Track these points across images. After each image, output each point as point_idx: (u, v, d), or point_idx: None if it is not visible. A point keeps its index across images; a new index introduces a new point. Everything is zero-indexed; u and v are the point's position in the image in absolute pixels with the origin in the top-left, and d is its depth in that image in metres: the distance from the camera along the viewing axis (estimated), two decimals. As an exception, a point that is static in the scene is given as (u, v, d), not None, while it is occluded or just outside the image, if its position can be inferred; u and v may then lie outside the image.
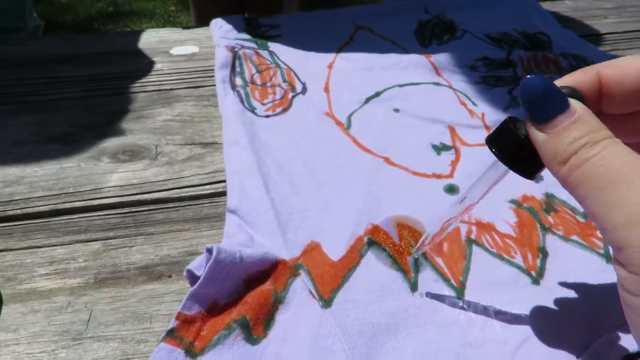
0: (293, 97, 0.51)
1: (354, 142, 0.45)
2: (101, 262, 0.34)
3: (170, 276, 0.33)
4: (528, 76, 0.20)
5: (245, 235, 0.34)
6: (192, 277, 0.29)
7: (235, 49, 0.58)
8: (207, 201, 0.39)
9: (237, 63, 0.56)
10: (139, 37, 0.65)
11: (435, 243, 0.31)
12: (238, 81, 0.53)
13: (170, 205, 0.39)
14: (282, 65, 0.57)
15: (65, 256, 0.34)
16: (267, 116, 0.48)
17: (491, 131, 0.23)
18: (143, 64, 0.59)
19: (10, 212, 0.38)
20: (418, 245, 0.31)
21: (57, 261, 0.34)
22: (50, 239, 0.36)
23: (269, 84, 0.53)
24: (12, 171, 0.42)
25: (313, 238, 0.34)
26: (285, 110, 0.49)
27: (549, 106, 0.20)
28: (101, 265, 0.34)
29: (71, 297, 0.31)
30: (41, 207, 0.38)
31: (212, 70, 0.56)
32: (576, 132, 0.19)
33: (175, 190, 0.40)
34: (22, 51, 0.60)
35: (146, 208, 0.39)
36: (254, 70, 0.55)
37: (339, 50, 0.60)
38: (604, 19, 0.71)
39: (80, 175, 0.42)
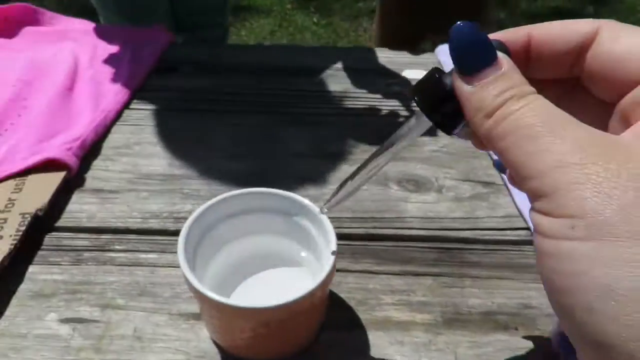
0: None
1: None
2: (440, 300, 0.35)
3: (516, 329, 0.33)
4: (460, 22, 0.19)
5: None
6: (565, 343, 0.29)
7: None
8: (514, 248, 0.39)
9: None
10: (363, 54, 0.67)
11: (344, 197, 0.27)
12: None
13: (477, 247, 0.39)
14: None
15: (403, 287, 0.35)
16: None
17: (417, 81, 0.22)
18: (383, 85, 0.61)
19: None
20: (329, 199, 0.27)
21: (398, 292, 0.35)
22: (381, 266, 0.37)
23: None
24: (312, 186, 0.44)
25: None
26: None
27: (478, 57, 0.19)
28: (442, 304, 0.34)
29: (427, 333, 0.32)
30: (355, 230, 0.40)
31: None
32: (503, 85, 0.18)
33: (477, 231, 0.41)
34: (257, 58, 0.64)
35: (456, 246, 0.39)
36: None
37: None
38: None
39: (377, 199, 0.43)
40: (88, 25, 0.68)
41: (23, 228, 0.36)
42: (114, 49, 0.63)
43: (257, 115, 0.53)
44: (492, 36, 0.21)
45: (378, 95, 0.58)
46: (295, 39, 2.49)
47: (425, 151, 0.50)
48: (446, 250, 0.39)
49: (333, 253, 0.28)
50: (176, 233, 0.38)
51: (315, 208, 0.31)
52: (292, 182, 0.44)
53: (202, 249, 0.31)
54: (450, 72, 0.20)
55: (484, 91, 0.19)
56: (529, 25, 0.22)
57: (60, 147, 0.43)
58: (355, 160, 0.47)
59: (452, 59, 0.19)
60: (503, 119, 0.18)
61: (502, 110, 0.18)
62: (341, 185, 0.27)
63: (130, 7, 0.82)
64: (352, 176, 0.26)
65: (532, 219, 0.17)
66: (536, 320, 0.33)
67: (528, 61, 0.22)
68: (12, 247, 0.34)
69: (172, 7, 0.92)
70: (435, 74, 0.21)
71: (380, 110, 0.55)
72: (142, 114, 0.53)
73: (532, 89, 0.18)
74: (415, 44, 1.06)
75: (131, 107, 0.54)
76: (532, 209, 0.17)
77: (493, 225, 0.41)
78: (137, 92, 0.56)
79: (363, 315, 0.33)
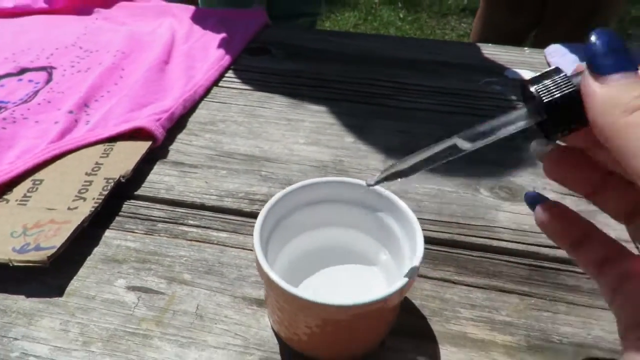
0: None
1: None
2: (527, 322, 0.31)
3: (614, 367, 0.29)
4: (601, 28, 0.19)
5: None
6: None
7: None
8: (619, 276, 0.34)
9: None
10: (468, 49, 0.62)
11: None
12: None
13: (577, 270, 0.35)
14: None
15: (486, 302, 0.32)
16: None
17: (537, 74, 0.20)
18: (482, 83, 0.56)
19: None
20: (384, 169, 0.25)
21: (479, 307, 0.32)
22: (462, 276, 0.34)
23: None
24: (393, 182, 0.41)
25: None
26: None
27: (619, 60, 0.18)
28: (528, 327, 0.31)
29: (508, 357, 0.29)
30: (437, 234, 0.37)
31: None
32: None
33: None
34: (353, 47, 0.61)
35: (550, 265, 0.35)
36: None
37: None
38: None
39: (464, 204, 0.39)
40: (181, 5, 0.69)
41: (106, 192, 0.36)
42: (209, 26, 0.64)
43: (344, 103, 0.51)
44: None
45: (476, 94, 0.54)
46: (380, 33, 2.46)
47: (522, 159, 0.45)
48: (539, 269, 0.35)
49: (418, 259, 0.25)
50: (249, 214, 0.37)
51: (405, 206, 0.28)
52: (371, 176, 0.42)
53: (277, 235, 0.29)
54: (576, 74, 0.19)
55: (621, 90, 0.18)
56: None
57: (149, 117, 0.44)
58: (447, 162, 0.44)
59: (589, 60, 0.19)
60: None
61: None
62: (403, 161, 0.24)
63: None
64: (420, 154, 0.24)
65: None
66: (640, 363, 0.29)
67: None
68: (93, 209, 0.35)
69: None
70: (559, 69, 0.20)
71: (476, 109, 0.51)
72: (230, 92, 0.52)
73: None
74: (519, 42, 1.00)
75: (220, 84, 0.54)
76: None
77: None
78: (228, 70, 0.56)
79: (435, 327, 0.30)
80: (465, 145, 0.23)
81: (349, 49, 0.62)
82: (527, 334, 0.30)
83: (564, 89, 0.19)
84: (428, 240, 0.36)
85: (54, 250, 0.31)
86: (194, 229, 0.37)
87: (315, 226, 0.31)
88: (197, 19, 0.65)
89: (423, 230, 0.35)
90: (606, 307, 0.32)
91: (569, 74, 0.20)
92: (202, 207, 0.39)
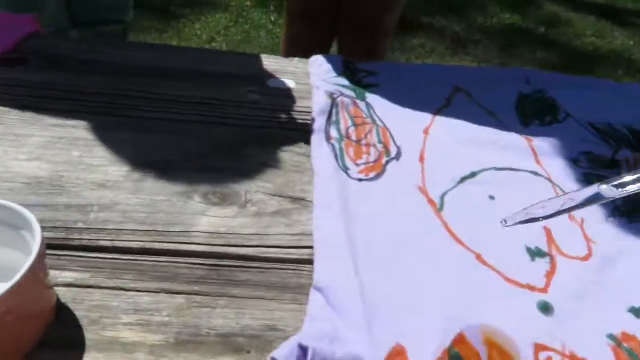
0: (387, 162, 0.50)
1: (446, 228, 0.43)
2: (184, 320, 0.34)
3: (249, 352, 0.32)
4: None
5: (330, 322, 0.33)
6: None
7: (335, 96, 0.58)
8: (292, 267, 0.39)
9: (334, 111, 0.56)
10: (233, 59, 0.65)
11: None
12: (333, 133, 0.52)
13: (255, 265, 0.39)
14: (379, 123, 0.55)
15: (151, 306, 0.34)
16: (360, 180, 0.47)
17: None
18: (240, 93, 0.60)
19: (102, 242, 0.38)
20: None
21: (142, 310, 0.34)
22: (137, 282, 0.36)
23: (363, 141, 0.52)
24: (108, 194, 0.43)
25: (399, 340, 0.33)
26: (378, 175, 0.48)
27: None
28: (183, 324, 0.33)
29: (151, 356, 0.31)
30: (132, 243, 0.39)
31: (308, 112, 0.55)
32: None
33: (261, 248, 0.40)
34: (125, 58, 0.62)
35: (231, 263, 0.38)
36: (349, 123, 0.55)
37: (436, 113, 0.59)
38: None
39: (171, 212, 0.42)
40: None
41: None
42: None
43: (86, 116, 0.51)
44: None
45: (233, 103, 0.57)
46: (250, 37, 2.48)
47: (249, 163, 0.49)
48: (217, 268, 0.38)
49: (26, 267, 0.27)
50: None
51: (31, 217, 0.29)
52: (88, 190, 0.43)
53: None
54: None
55: None
56: None
57: None
58: (175, 170, 0.46)
59: None
60: None
61: None
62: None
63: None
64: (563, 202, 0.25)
65: None
66: (274, 344, 0.33)
67: None
68: None
69: (67, 1, 0.89)
70: None
71: (231, 119, 0.54)
72: (-39, 110, 0.50)
73: None
74: (323, 52, 1.06)
75: (-45, 101, 0.51)
76: None
77: (282, 243, 0.41)
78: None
79: (90, 335, 0.32)
80: (610, 193, 0.24)
81: (116, 60, 0.62)
82: (179, 331, 0.33)
83: None
84: (119, 251, 0.38)
85: None
86: None
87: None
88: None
89: (118, 240, 0.37)
90: (267, 297, 0.36)
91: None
92: None
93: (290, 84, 0.63)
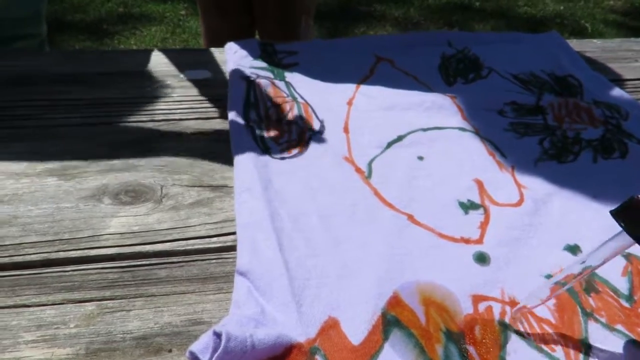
0: (310, 137, 0.48)
1: (375, 194, 0.41)
2: (94, 328, 0.30)
3: (170, 350, 0.29)
4: None
5: (256, 305, 0.31)
6: (196, 362, 0.26)
7: (251, 78, 0.55)
8: (215, 256, 0.36)
9: (251, 94, 0.53)
10: (148, 56, 0.62)
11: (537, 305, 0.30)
12: (252, 115, 0.50)
13: (174, 259, 0.36)
14: (299, 100, 0.53)
15: (56, 319, 0.31)
16: (282, 158, 0.45)
17: (617, 206, 0.25)
18: (152, 89, 0.56)
19: (-1, 260, 0.34)
20: (515, 310, 0.31)
21: (46, 325, 0.30)
22: (40, 297, 0.32)
23: (284, 120, 0.50)
24: (5, 209, 0.39)
25: (331, 313, 0.31)
26: (301, 152, 0.46)
27: None
28: (94, 333, 0.30)
29: (58, 371, 0.28)
30: (33, 256, 0.35)
31: (226, 99, 0.53)
32: None
33: (181, 242, 0.37)
34: (23, 68, 0.57)
35: (147, 262, 0.35)
36: (268, 104, 0.52)
37: (359, 83, 0.57)
38: (635, 62, 0.68)
39: (78, 218, 0.38)
40: None
41: None
42: None
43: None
44: None
45: (141, 100, 0.53)
46: (189, 45, 2.42)
47: (164, 157, 0.45)
48: (132, 269, 0.34)
49: None
50: None
51: None
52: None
53: None
54: None
55: None
56: None
57: None
58: (75, 176, 0.42)
59: None
60: None
61: None
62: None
63: None
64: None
65: None
66: (198, 338, 0.30)
67: None
68: None
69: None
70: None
71: (136, 117, 0.51)
72: None
73: None
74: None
75: None
76: None
77: (203, 233, 0.38)
78: None
79: (-13, 361, 0.28)
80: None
81: (15, 71, 0.57)
82: (90, 340, 0.30)
83: None
84: (19, 266, 0.34)
85: None
86: None
87: None
88: None
89: (17, 256, 0.33)
90: (188, 291, 0.33)
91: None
92: None
93: (206, 74, 0.60)
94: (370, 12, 2.66)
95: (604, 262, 0.27)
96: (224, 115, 0.51)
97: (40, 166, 0.43)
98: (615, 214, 0.25)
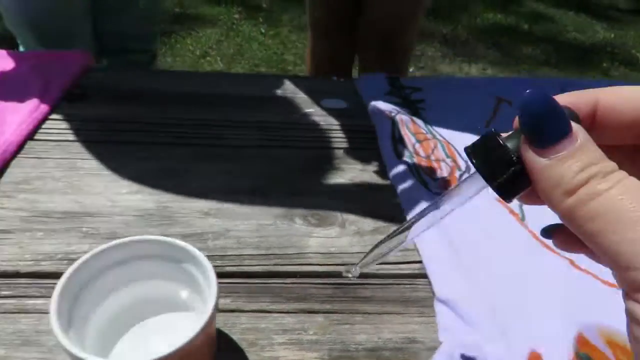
0: (460, 176, 0.53)
1: (534, 237, 0.46)
2: (330, 337, 0.36)
3: (400, 363, 0.35)
4: (529, 91, 0.18)
5: (464, 333, 0.36)
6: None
7: (392, 114, 0.61)
8: (407, 282, 0.41)
9: (395, 129, 0.59)
10: (283, 82, 0.68)
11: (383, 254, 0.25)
12: (401, 150, 0.55)
13: (373, 281, 0.41)
14: (439, 137, 0.59)
15: (296, 325, 0.36)
16: (438, 193, 0.50)
17: (475, 140, 0.21)
18: (299, 115, 0.62)
19: (228, 268, 0.40)
20: (361, 259, 0.26)
21: (290, 330, 0.36)
22: (275, 304, 0.38)
23: (432, 157, 0.55)
24: (216, 222, 0.45)
25: (532, 346, 0.36)
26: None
27: (552, 129, 0.18)
28: (331, 341, 0.36)
29: (314, 372, 0.33)
30: (255, 267, 0.41)
31: (366, 130, 0.58)
32: (583, 160, 0.17)
33: (375, 266, 0.42)
34: (177, 87, 0.63)
35: (352, 281, 0.41)
36: (413, 140, 0.58)
37: (487, 124, 0.63)
38: None
39: (280, 235, 0.44)
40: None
41: None
42: (18, 75, 0.61)
43: (166, 147, 0.53)
44: (565, 100, 0.20)
45: (296, 126, 0.59)
46: (243, 49, 2.49)
47: (332, 184, 0.51)
48: (341, 286, 0.40)
49: (212, 301, 0.29)
50: (46, 276, 0.37)
51: (198, 253, 0.31)
52: (196, 219, 0.45)
53: (83, 300, 0.30)
54: (513, 136, 0.19)
55: (562, 166, 0.18)
56: (596, 90, 0.21)
57: (-51, 185, 0.42)
58: (266, 195, 0.48)
59: (523, 131, 0.19)
60: (590, 199, 0.17)
61: (586, 188, 0.17)
62: (376, 245, 0.25)
63: (47, 31, 0.80)
64: (390, 236, 0.24)
65: (629, 307, 0.17)
66: (418, 355, 0.35)
67: (593, 126, 0.21)
68: None
69: (96, 31, 0.90)
70: (497, 138, 0.20)
71: (298, 141, 0.56)
72: (47, 145, 0.51)
73: (614, 164, 0.18)
74: (346, 68, 1.10)
75: (36, 137, 0.52)
76: (629, 296, 0.17)
77: (391, 259, 0.43)
78: (45, 122, 0.55)
79: (252, 357, 0.34)
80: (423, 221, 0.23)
81: (169, 89, 0.64)
82: (330, 347, 0.35)
83: (503, 160, 0.19)
84: (247, 275, 0.40)
85: None
86: (8, 300, 0.36)
87: (127, 283, 0.33)
88: (8, 65, 0.62)
89: (242, 265, 0.39)
90: (394, 312, 0.38)
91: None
92: (17, 274, 0.38)
93: (341, 104, 0.66)
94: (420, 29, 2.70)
95: (454, 209, 0.23)
96: (371, 146, 0.56)
97: (234, 183, 0.49)
98: (469, 151, 0.21)
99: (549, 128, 0.18)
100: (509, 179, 0.19)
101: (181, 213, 0.45)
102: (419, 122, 0.61)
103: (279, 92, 0.66)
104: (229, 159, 0.52)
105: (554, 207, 0.18)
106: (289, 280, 0.40)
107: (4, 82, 0.59)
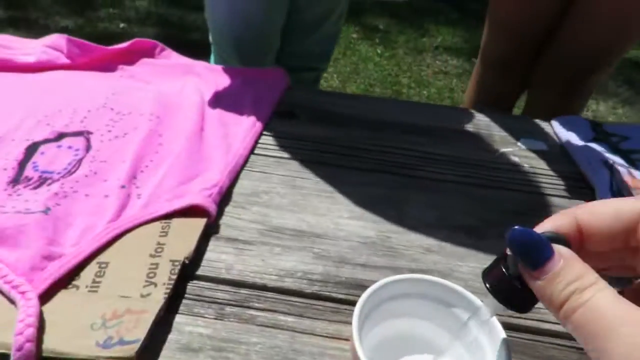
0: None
1: None
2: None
3: None
4: (514, 227, 0.23)
5: None
6: None
7: (609, 162, 0.57)
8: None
9: (613, 182, 0.55)
10: (463, 116, 0.66)
11: None
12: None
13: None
14: (662, 195, 0.54)
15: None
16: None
17: (486, 267, 0.26)
18: (499, 154, 0.60)
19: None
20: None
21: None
22: (520, 362, 0.36)
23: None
24: (440, 260, 0.44)
25: None
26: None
27: (537, 255, 0.22)
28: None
29: None
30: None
31: (571, 176, 0.55)
32: (565, 278, 0.21)
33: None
34: (367, 110, 0.64)
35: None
36: (634, 193, 0.53)
37: None
38: None
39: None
40: (204, 64, 0.70)
41: (174, 276, 0.37)
42: (235, 86, 0.65)
43: (376, 174, 0.53)
44: (543, 227, 0.24)
45: (493, 164, 0.57)
46: (358, 68, 2.52)
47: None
48: (587, 352, 0.37)
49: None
50: (311, 296, 0.38)
51: (480, 305, 0.30)
52: (420, 254, 0.44)
53: (365, 325, 0.31)
54: (516, 260, 0.23)
55: (550, 285, 0.21)
56: (574, 207, 0.25)
57: (200, 192, 0.45)
58: (482, 236, 0.47)
59: (516, 259, 0.23)
60: (571, 313, 0.20)
61: (568, 304, 0.21)
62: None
63: (248, 47, 0.85)
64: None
65: None
66: None
67: (582, 239, 0.24)
68: (166, 296, 0.36)
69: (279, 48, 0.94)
70: (502, 267, 0.24)
71: (503, 182, 0.55)
72: (268, 160, 0.54)
73: (594, 277, 0.21)
74: (508, 105, 1.06)
75: (256, 152, 0.55)
76: None
77: None
78: (261, 136, 0.58)
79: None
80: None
81: (364, 113, 0.64)
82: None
83: (511, 288, 0.24)
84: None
85: (138, 344, 0.31)
86: (261, 313, 0.38)
87: (396, 316, 0.33)
88: (221, 79, 0.67)
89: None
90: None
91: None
92: (264, 287, 0.40)
93: (541, 145, 0.63)
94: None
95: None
96: (578, 196, 0.53)
97: (447, 219, 0.48)
98: (483, 277, 0.25)
99: (534, 255, 0.22)
100: (521, 302, 0.24)
101: (403, 246, 0.45)
102: (636, 174, 0.56)
103: (469, 126, 0.64)
104: (434, 192, 0.52)
105: (557, 317, 0.22)
106: (527, 337, 0.38)
107: (223, 95, 0.63)
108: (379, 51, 2.66)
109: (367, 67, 2.53)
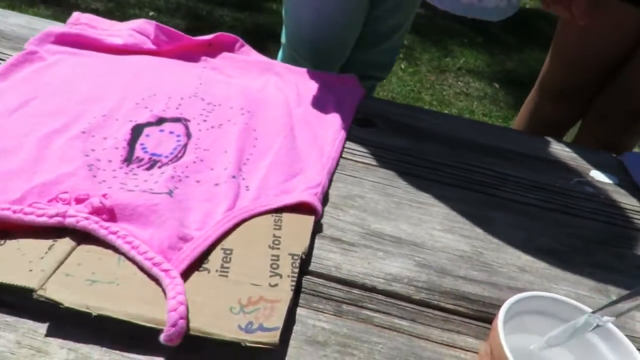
0: None
1: None
2: None
3: None
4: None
5: None
6: None
7: (680, 203, 0.58)
8: None
9: (687, 221, 0.56)
10: (548, 145, 0.68)
11: None
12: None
13: None
14: None
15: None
16: None
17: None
18: (574, 183, 0.62)
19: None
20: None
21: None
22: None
23: None
24: (535, 281, 0.45)
25: None
26: None
27: None
28: None
29: None
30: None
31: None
32: None
33: None
34: (444, 127, 0.65)
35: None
36: None
37: None
38: None
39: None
40: (282, 64, 0.72)
41: (296, 270, 0.38)
42: (314, 89, 0.66)
43: (458, 189, 0.55)
44: None
45: (569, 192, 0.59)
46: (382, 82, 2.54)
47: (630, 264, 0.50)
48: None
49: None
50: (419, 303, 0.40)
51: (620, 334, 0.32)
52: (514, 272, 0.45)
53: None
54: None
55: None
56: None
57: (307, 190, 0.46)
58: (571, 261, 0.48)
59: None
60: None
61: None
62: (630, 296, 0.29)
63: (324, 54, 0.86)
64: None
65: None
66: None
67: None
68: (293, 287, 0.37)
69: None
70: None
71: (573, 209, 0.56)
72: (356, 166, 0.55)
73: None
74: (559, 134, 1.07)
75: (344, 156, 0.56)
76: None
77: None
78: (346, 141, 0.59)
79: None
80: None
81: (440, 129, 0.66)
82: None
83: None
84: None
85: (279, 332, 0.32)
86: (377, 314, 0.39)
87: (518, 332, 0.34)
88: (302, 80, 0.68)
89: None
90: None
91: None
92: (374, 290, 0.41)
93: (613, 178, 0.64)
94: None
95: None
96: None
97: (535, 242, 0.49)
98: None
99: None
100: None
101: (497, 263, 0.46)
102: None
103: (542, 152, 0.66)
104: (518, 213, 0.53)
105: None
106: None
107: (307, 97, 0.64)
108: (402, 66, 2.69)
109: (390, 80, 2.55)
